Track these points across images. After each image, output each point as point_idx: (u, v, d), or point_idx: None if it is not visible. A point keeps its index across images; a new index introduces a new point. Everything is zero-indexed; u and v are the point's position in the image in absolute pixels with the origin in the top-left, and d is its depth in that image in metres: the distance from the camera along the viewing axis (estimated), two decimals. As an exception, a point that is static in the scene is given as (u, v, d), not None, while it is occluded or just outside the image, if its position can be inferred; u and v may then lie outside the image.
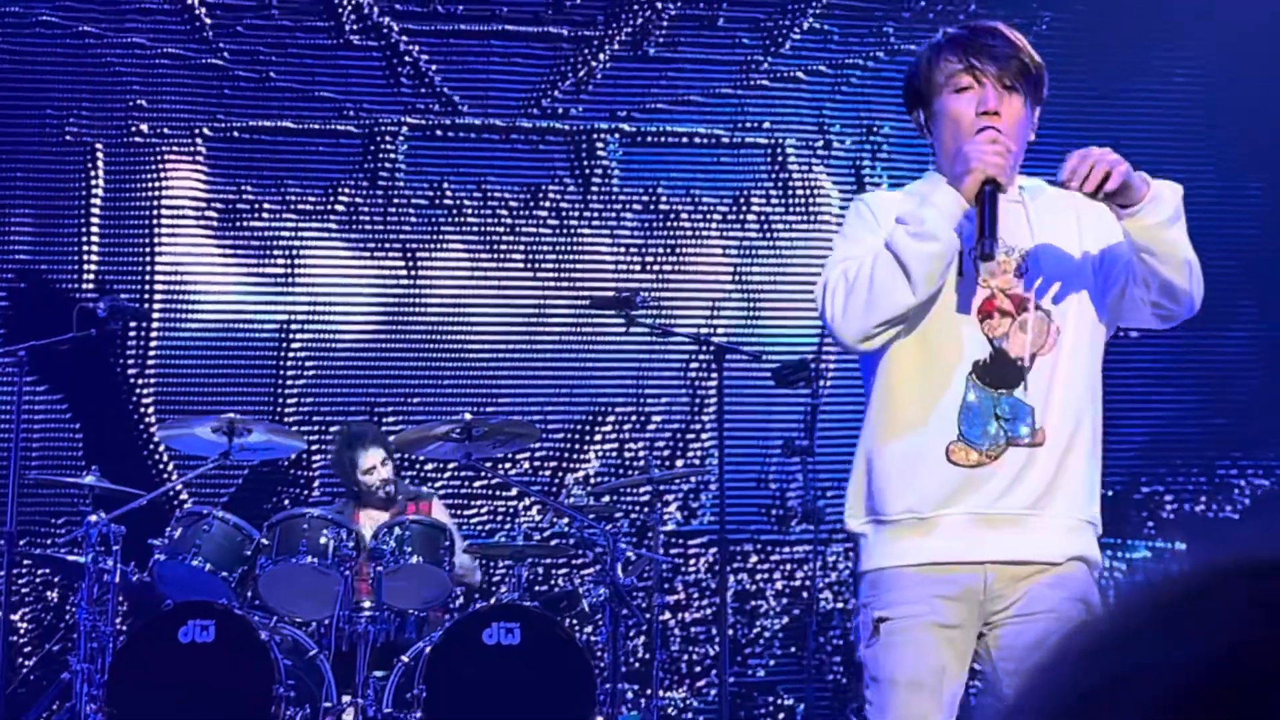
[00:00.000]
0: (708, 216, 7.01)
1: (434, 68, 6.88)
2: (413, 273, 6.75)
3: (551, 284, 6.84)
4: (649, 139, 7.04)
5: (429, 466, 6.55)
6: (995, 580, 2.64)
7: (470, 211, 6.84)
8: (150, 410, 6.11)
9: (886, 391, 2.71)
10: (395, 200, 6.78)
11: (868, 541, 2.73)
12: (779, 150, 7.11)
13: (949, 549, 2.63)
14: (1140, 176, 2.60)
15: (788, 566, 6.93)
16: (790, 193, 7.10)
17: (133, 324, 6.13)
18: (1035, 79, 2.71)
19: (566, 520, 5.51)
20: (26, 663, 5.83)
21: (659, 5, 7.11)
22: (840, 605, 6.87)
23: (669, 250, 6.96)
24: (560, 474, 6.78)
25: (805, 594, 6.89)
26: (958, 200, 2.60)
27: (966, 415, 2.65)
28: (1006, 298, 2.69)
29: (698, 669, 6.79)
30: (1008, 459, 2.65)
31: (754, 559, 6.89)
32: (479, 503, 6.71)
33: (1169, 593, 0.64)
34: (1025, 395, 2.66)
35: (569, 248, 6.89)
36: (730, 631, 6.35)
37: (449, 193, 6.84)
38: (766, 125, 7.11)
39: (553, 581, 6.57)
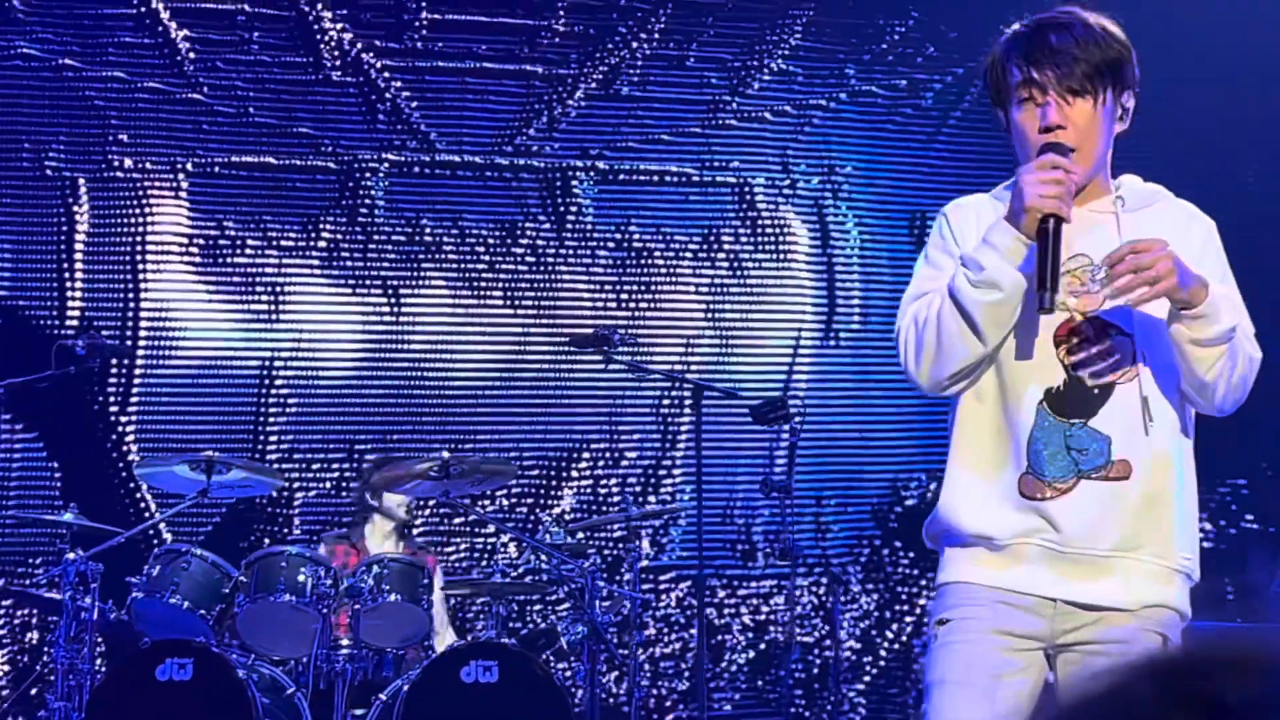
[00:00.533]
0: (679, 255, 7.09)
1: (412, 104, 6.91)
2: (395, 310, 6.76)
3: (530, 321, 6.88)
4: (620, 177, 7.10)
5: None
6: (1063, 609, 2.50)
7: (449, 248, 6.86)
8: (130, 447, 6.08)
9: (962, 418, 2.57)
10: (375, 237, 6.79)
11: (944, 558, 2.61)
12: (747, 189, 7.19)
13: (1020, 579, 2.50)
14: (1199, 280, 2.40)
15: (754, 601, 6.99)
16: (759, 231, 7.19)
17: (114, 361, 6.09)
18: (1112, 71, 2.48)
19: (543, 557, 5.54)
20: (2, 705, 5.76)
21: (633, 45, 7.19)
22: (805, 639, 6.94)
23: (644, 287, 7.03)
24: (536, 511, 6.81)
25: (771, 628, 6.96)
26: (1017, 238, 2.41)
27: (1036, 445, 2.48)
28: (1087, 321, 2.50)
29: (667, 704, 6.84)
30: (1081, 492, 2.47)
31: (721, 594, 6.95)
32: (457, 540, 6.72)
33: (1098, 687, 0.75)
34: (1101, 425, 2.47)
35: (546, 285, 6.94)
36: (699, 667, 6.40)
37: (427, 229, 6.86)
38: (734, 164, 7.20)
39: (528, 618, 6.59)
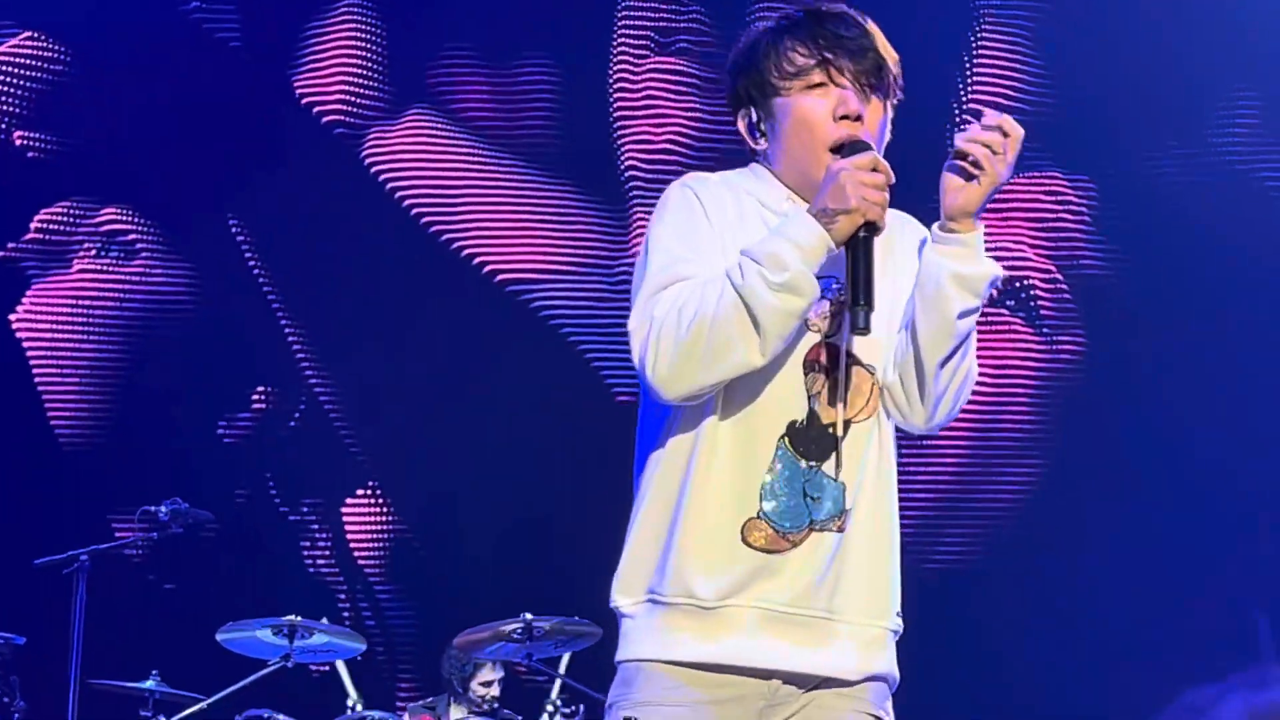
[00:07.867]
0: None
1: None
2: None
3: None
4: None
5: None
6: (779, 691, 2.17)
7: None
8: (212, 612, 6.05)
9: (683, 445, 2.17)
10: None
11: (633, 624, 2.18)
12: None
13: (728, 651, 2.14)
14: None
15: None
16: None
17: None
18: (895, 81, 2.25)
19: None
20: None
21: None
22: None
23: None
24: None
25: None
26: (826, 242, 2.09)
27: (771, 488, 2.15)
28: (832, 347, 2.19)
29: None
30: (807, 546, 2.15)
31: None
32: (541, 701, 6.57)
33: None
34: (836, 470, 2.17)
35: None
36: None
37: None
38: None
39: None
